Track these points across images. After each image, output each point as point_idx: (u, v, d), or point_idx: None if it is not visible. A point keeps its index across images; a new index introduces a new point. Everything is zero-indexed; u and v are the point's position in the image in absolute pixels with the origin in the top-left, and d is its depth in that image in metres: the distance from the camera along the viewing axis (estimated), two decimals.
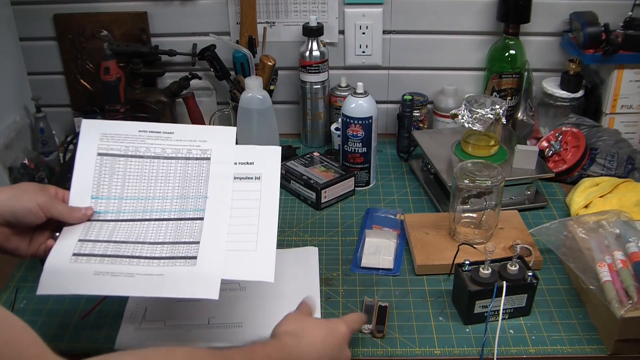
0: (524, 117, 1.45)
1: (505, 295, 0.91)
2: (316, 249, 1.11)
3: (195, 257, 0.86)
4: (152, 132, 0.97)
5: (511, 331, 0.93)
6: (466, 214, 1.09)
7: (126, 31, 1.44)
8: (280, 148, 0.97)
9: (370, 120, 1.24)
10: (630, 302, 0.86)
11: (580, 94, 1.38)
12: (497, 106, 1.18)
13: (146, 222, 0.90)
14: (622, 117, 1.38)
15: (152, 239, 0.88)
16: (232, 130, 0.98)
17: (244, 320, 0.95)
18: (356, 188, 1.29)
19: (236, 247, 0.87)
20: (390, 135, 1.52)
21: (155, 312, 0.97)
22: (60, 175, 1.22)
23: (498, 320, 0.92)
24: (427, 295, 1.01)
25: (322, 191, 1.23)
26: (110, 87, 1.35)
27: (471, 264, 0.95)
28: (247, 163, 0.95)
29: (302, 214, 1.23)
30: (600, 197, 1.18)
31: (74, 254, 0.84)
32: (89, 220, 0.89)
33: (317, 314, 0.93)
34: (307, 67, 1.40)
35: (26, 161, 1.31)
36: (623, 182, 1.21)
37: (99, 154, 0.94)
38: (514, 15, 1.35)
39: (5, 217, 0.81)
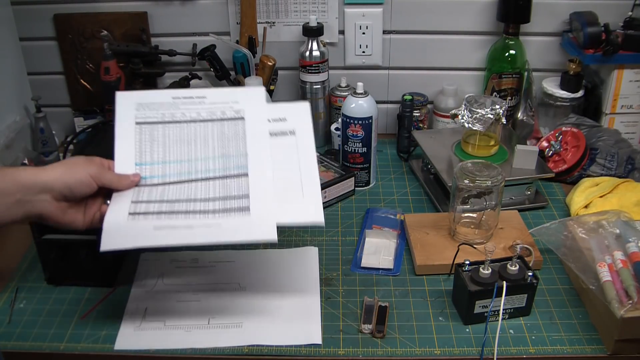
0: (524, 117, 1.45)
1: (505, 295, 0.91)
2: (316, 249, 1.11)
3: (248, 208, 0.89)
4: (185, 97, 1.00)
5: (511, 331, 0.93)
6: (466, 214, 1.09)
7: (126, 31, 1.44)
8: (308, 103, 1.01)
9: (370, 120, 1.24)
10: (630, 302, 0.86)
11: (580, 94, 1.38)
12: (497, 106, 1.18)
13: (193, 183, 0.92)
14: (622, 117, 1.38)
15: (203, 196, 0.91)
16: (261, 90, 1.02)
17: (244, 320, 0.95)
18: (356, 188, 1.29)
19: (284, 196, 0.91)
20: (390, 135, 1.52)
21: (155, 312, 0.97)
22: None
23: (498, 320, 0.92)
24: (427, 295, 1.01)
25: (322, 191, 1.23)
26: (110, 87, 1.35)
27: (471, 264, 0.95)
28: (280, 120, 0.99)
29: None
30: (600, 197, 1.18)
31: (130, 213, 0.87)
32: (137, 185, 0.91)
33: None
34: (307, 67, 1.40)
35: (26, 161, 1.31)
36: (623, 182, 1.21)
37: (137, 123, 0.97)
38: (514, 15, 1.35)
39: (62, 192, 0.84)
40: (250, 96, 1.01)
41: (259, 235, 0.87)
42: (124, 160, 0.93)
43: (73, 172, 0.85)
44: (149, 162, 0.94)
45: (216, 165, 0.94)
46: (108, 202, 0.89)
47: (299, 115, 0.99)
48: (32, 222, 0.98)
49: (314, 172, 0.94)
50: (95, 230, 0.87)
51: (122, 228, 0.86)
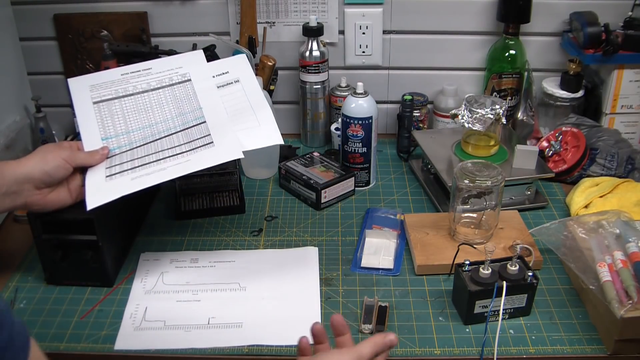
0: (524, 117, 1.45)
1: (505, 295, 0.91)
2: (316, 249, 1.11)
3: (212, 143, 0.99)
4: (132, 72, 1.10)
5: (511, 331, 0.93)
6: (466, 214, 1.09)
7: (126, 31, 1.44)
8: (244, 55, 1.15)
9: (370, 120, 1.24)
10: (630, 302, 0.86)
11: (580, 94, 1.38)
12: (497, 106, 1.18)
13: (159, 140, 1.02)
14: (622, 117, 1.38)
15: (169, 146, 1.00)
16: (200, 53, 1.15)
17: (244, 320, 0.95)
18: (356, 188, 1.29)
19: (242, 128, 1.02)
20: (390, 135, 1.52)
21: (155, 312, 0.97)
22: None
23: (498, 320, 0.92)
24: (427, 295, 1.01)
25: (322, 191, 1.23)
26: None
27: (471, 264, 0.95)
28: (223, 73, 1.11)
29: (302, 214, 1.23)
30: (600, 197, 1.18)
31: (107, 176, 0.96)
32: (108, 157, 0.99)
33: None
34: (307, 67, 1.40)
35: None
36: (623, 182, 1.21)
37: (94, 103, 1.06)
38: (514, 15, 1.35)
39: (42, 179, 0.93)
40: (191, 60, 1.13)
41: (227, 156, 0.97)
42: (91, 139, 1.02)
43: (48, 159, 0.94)
44: (113, 135, 1.02)
45: (175, 123, 1.04)
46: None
47: (239, 65, 1.11)
48: (32, 222, 0.98)
49: (263, 103, 1.06)
50: (94, 231, 0.88)
51: (102, 186, 0.94)
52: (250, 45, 1.40)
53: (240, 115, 1.05)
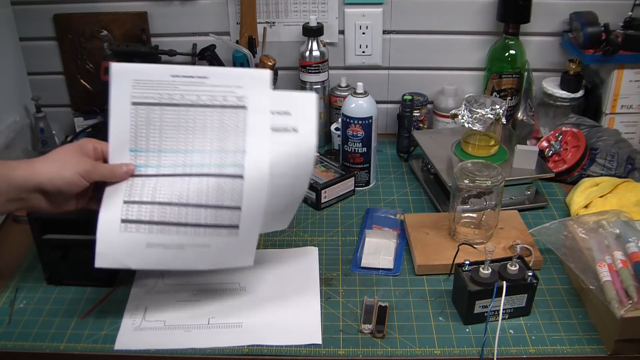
0: (524, 117, 1.45)
1: (505, 295, 0.91)
2: (316, 249, 1.11)
3: (237, 226, 0.89)
4: (185, 76, 0.92)
5: (511, 331, 0.93)
6: (466, 214, 1.09)
7: (126, 31, 1.44)
8: (315, 95, 0.94)
9: (370, 120, 1.24)
10: (630, 302, 0.86)
11: (580, 94, 1.38)
12: (497, 106, 1.18)
13: (187, 178, 0.89)
14: (622, 117, 1.38)
15: (195, 200, 0.88)
16: (266, 74, 0.94)
17: (244, 320, 0.95)
18: (356, 188, 1.29)
19: (274, 204, 0.91)
20: (390, 135, 1.52)
21: (155, 312, 0.97)
22: None
23: (498, 320, 0.92)
24: (427, 295, 1.01)
25: (322, 191, 1.23)
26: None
27: (471, 264, 0.95)
28: (284, 113, 0.92)
29: (302, 214, 1.23)
30: (600, 197, 1.18)
31: (123, 220, 0.87)
32: (130, 176, 0.89)
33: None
34: (307, 67, 1.40)
35: None
36: (623, 182, 1.21)
37: (133, 103, 0.91)
38: (514, 15, 1.35)
39: (53, 192, 0.84)
40: (254, 80, 0.93)
41: (239, 262, 0.91)
42: (119, 146, 0.90)
43: (62, 175, 0.83)
44: (144, 150, 0.91)
45: (212, 159, 0.91)
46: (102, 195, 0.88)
47: (304, 108, 0.92)
48: (32, 222, 0.98)
49: (304, 182, 0.93)
50: (95, 231, 0.87)
51: (115, 242, 0.86)
52: (250, 45, 1.40)
53: (279, 187, 0.91)
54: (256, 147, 0.91)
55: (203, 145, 0.91)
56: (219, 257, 0.89)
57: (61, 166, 0.84)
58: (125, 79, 0.91)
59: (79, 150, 0.87)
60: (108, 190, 0.88)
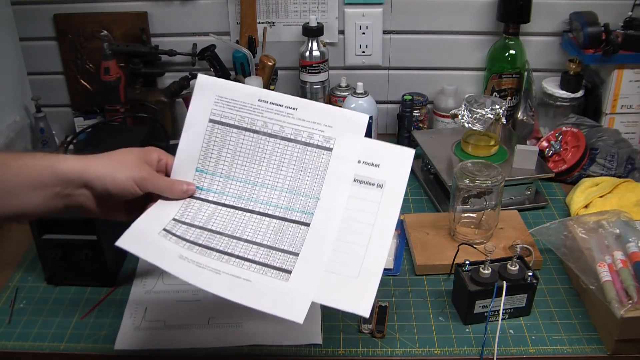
0: (524, 117, 1.44)
1: (505, 295, 0.91)
2: None
3: (290, 272, 0.77)
4: (272, 103, 0.84)
5: (511, 331, 0.93)
6: (466, 214, 1.09)
7: (126, 31, 1.44)
8: (413, 152, 0.81)
9: (370, 120, 1.24)
10: (630, 302, 0.86)
11: (580, 94, 1.38)
12: (497, 106, 1.18)
13: (248, 214, 0.81)
14: (622, 117, 1.38)
15: (250, 237, 0.80)
16: (363, 118, 0.85)
17: (244, 320, 0.95)
18: None
19: (336, 269, 0.76)
20: (390, 135, 1.52)
21: (155, 312, 0.97)
22: None
23: (498, 320, 0.92)
24: (427, 295, 1.01)
25: None
26: (110, 87, 1.35)
27: (471, 264, 0.95)
28: (372, 164, 0.82)
29: None
30: (600, 197, 1.18)
31: (165, 229, 0.78)
32: (189, 197, 0.82)
33: None
34: (307, 67, 1.40)
35: None
36: (623, 182, 1.21)
37: (211, 121, 0.84)
38: (514, 15, 1.35)
39: (101, 193, 0.75)
40: (348, 123, 0.84)
41: (285, 313, 0.72)
42: (185, 162, 0.83)
43: (115, 176, 0.75)
44: (210, 172, 0.83)
45: (281, 200, 0.82)
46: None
47: (397, 164, 0.81)
48: (32, 222, 0.98)
49: (384, 247, 0.77)
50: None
51: (148, 238, 0.77)
52: (250, 45, 1.40)
53: (348, 245, 0.78)
54: (332, 196, 0.81)
55: (275, 182, 0.83)
56: (257, 295, 0.74)
57: (116, 167, 0.76)
58: (209, 93, 0.85)
59: (141, 156, 0.79)
60: (160, 201, 0.80)
